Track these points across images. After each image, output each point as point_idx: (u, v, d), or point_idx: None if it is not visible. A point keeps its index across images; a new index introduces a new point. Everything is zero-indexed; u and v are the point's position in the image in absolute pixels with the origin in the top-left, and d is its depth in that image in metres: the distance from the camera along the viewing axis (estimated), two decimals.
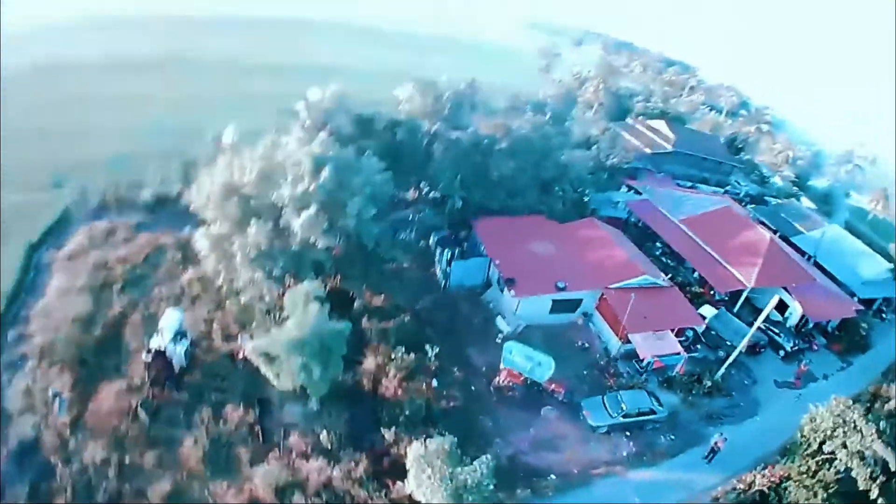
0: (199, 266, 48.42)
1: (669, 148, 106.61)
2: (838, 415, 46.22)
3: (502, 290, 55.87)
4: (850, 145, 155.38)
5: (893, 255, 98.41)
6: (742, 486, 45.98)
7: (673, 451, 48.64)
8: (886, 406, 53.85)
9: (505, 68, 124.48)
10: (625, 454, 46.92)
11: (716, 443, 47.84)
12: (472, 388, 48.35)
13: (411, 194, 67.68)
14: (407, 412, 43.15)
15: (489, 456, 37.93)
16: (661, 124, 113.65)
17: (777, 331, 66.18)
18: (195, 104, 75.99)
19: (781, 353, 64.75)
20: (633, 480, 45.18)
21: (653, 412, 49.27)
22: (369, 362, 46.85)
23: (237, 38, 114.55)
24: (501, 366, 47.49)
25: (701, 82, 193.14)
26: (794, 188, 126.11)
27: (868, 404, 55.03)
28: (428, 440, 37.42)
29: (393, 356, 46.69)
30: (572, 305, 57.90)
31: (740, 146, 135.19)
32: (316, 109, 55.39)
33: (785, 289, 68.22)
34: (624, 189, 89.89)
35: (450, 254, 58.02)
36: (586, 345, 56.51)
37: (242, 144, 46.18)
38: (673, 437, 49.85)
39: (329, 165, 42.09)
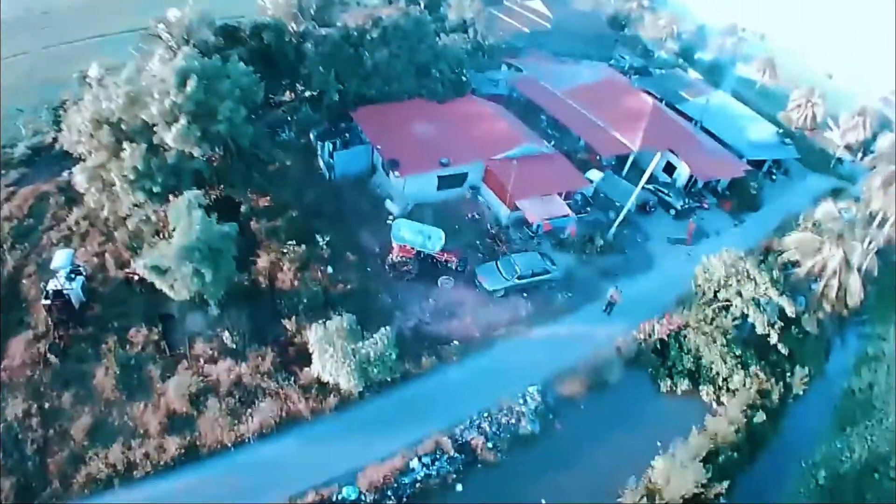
0: (83, 205, 47.67)
1: (548, 26, 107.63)
2: (730, 265, 48.96)
3: (388, 174, 56.67)
4: (733, 20, 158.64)
5: (782, 121, 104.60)
6: (642, 335, 49.17)
7: (571, 307, 51.23)
8: (780, 259, 56.32)
9: None
10: (524, 314, 49.19)
11: (612, 295, 50.51)
12: (368, 269, 49.57)
13: (288, 96, 66.92)
14: (305, 300, 44.15)
15: (388, 328, 39.42)
16: (537, 3, 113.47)
17: (666, 191, 69.23)
18: (59, 54, 72.66)
19: (672, 212, 67.82)
20: (535, 338, 47.62)
21: (547, 272, 51.67)
22: (263, 260, 47.66)
23: None
24: (392, 243, 48.48)
25: None
26: (680, 60, 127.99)
27: (761, 257, 58.20)
28: (327, 322, 38.49)
29: (285, 250, 47.66)
30: (458, 180, 59.24)
31: (623, 22, 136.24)
32: (178, 27, 53.54)
33: (672, 151, 71.16)
34: (504, 68, 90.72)
35: (331, 146, 58.07)
36: (476, 216, 58.19)
37: (110, 78, 45.08)
38: (570, 294, 52.44)
39: (193, 75, 41.11)
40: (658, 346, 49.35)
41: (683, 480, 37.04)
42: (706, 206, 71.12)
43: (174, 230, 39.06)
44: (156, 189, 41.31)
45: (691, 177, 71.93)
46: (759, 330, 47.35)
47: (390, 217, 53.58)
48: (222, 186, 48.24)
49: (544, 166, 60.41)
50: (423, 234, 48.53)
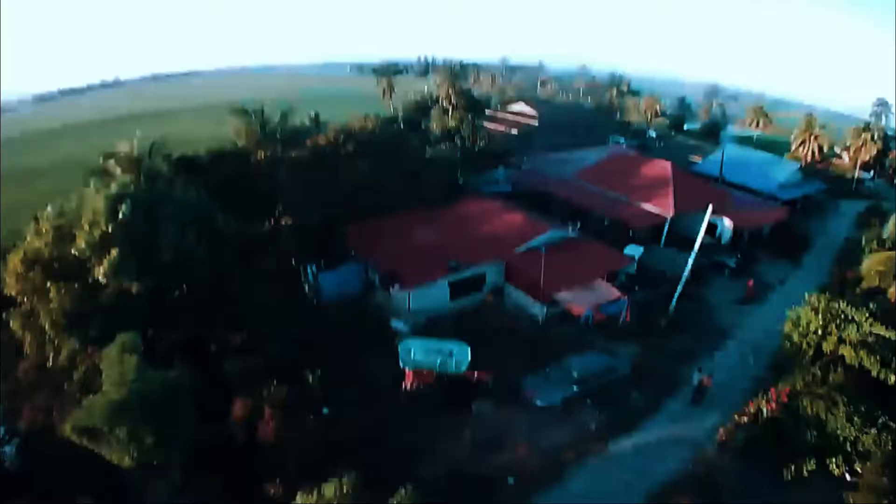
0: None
1: (536, 124, 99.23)
2: (825, 310, 38.25)
3: (388, 290, 44.06)
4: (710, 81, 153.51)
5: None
6: (747, 418, 35.68)
7: (651, 406, 37.31)
8: (858, 288, 46.71)
9: (352, 106, 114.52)
10: (594, 427, 34.92)
11: (701, 381, 37.24)
12: (377, 405, 35.60)
13: (267, 225, 55.01)
14: (294, 456, 30.28)
15: (409, 488, 25.98)
16: (521, 105, 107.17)
17: (715, 251, 58.23)
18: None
19: (726, 272, 56.62)
20: (617, 454, 33.44)
21: (611, 370, 37.91)
22: (239, 409, 33.76)
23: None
24: (404, 369, 35.19)
25: (550, 76, 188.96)
26: (673, 133, 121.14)
27: (839, 292, 46.42)
28: (322, 487, 25.31)
29: (265, 393, 33.45)
30: (476, 284, 46.09)
31: (607, 112, 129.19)
32: (126, 161, 44.85)
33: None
34: (501, 169, 79.89)
35: (314, 267, 46.24)
36: (507, 322, 44.31)
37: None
38: (646, 391, 38.48)
39: (127, 200, 32.69)
40: (769, 427, 35.35)
41: None
42: (759, 258, 60.47)
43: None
44: (92, 333, 32.09)
45: (736, 231, 61.75)
46: (875, 374, 35.90)
47: (399, 339, 39.19)
48: (185, 325, 37.10)
49: (576, 252, 48.22)
50: (443, 352, 34.94)
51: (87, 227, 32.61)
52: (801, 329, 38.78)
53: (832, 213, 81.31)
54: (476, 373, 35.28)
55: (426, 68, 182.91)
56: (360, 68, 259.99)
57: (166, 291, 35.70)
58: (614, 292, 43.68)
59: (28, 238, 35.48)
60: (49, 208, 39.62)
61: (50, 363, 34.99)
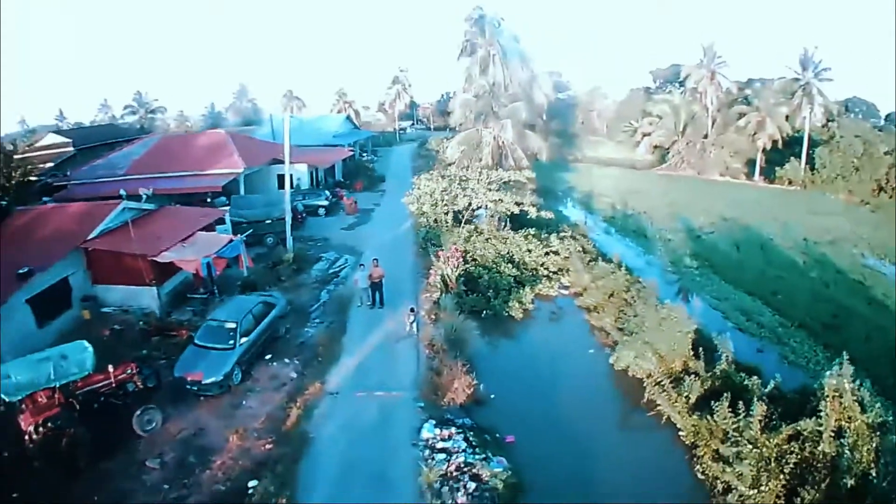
0: None
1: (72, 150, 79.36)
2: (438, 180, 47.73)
3: None
4: None
5: None
6: (440, 286, 34.51)
7: (339, 329, 29.87)
8: None
9: None
10: (293, 375, 25.92)
11: (370, 276, 31.71)
12: None
13: None
14: None
15: None
16: (52, 138, 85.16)
17: (302, 196, 54.66)
18: None
19: (322, 211, 54.31)
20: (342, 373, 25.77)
21: (271, 306, 28.94)
22: None
23: None
24: (14, 406, 20.83)
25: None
26: None
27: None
28: None
29: None
30: (63, 298, 31.31)
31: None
32: None
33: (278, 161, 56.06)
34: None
35: None
36: (116, 327, 30.71)
37: None
38: (322, 320, 31.26)
39: None
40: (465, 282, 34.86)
41: None
42: (343, 196, 59.39)
43: None
44: None
45: (312, 175, 61.48)
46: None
47: None
48: None
49: (161, 219, 37.14)
50: (52, 360, 21.29)
51: None
52: (422, 198, 45.60)
53: (387, 155, 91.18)
54: (112, 369, 22.98)
55: None
56: None
57: None
58: (223, 237, 35.18)
59: None
60: None
61: None
